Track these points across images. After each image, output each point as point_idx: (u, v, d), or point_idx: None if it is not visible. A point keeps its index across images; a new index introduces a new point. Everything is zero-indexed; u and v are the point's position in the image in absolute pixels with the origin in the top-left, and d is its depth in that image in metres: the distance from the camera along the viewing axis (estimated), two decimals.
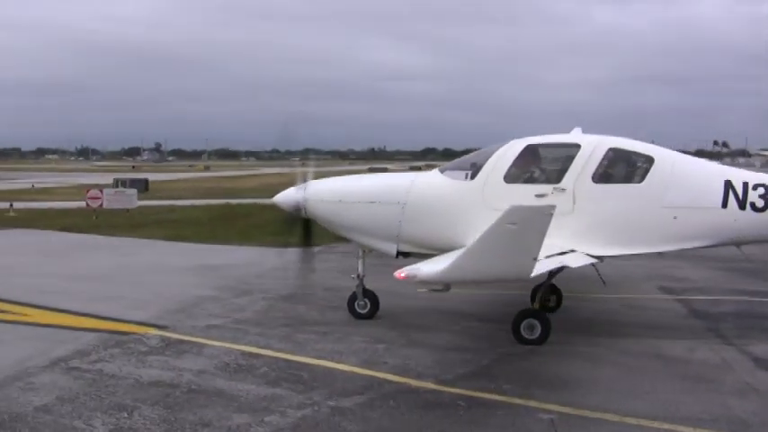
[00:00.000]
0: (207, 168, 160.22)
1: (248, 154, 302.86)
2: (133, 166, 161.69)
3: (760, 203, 13.55)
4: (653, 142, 15.28)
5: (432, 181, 15.15)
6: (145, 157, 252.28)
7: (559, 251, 12.70)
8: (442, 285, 11.42)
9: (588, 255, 13.11)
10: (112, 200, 40.09)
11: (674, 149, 15.39)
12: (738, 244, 14.44)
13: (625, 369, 12.00)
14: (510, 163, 14.43)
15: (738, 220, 13.60)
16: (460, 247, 12.19)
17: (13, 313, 15.72)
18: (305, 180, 15.75)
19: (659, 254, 14.82)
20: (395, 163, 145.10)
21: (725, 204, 13.60)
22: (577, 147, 14.26)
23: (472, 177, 14.69)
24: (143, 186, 56.85)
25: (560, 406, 10.03)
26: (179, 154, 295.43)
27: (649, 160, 14.10)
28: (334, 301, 16.90)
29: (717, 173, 14.24)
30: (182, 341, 13.36)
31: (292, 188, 15.76)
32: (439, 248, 13.51)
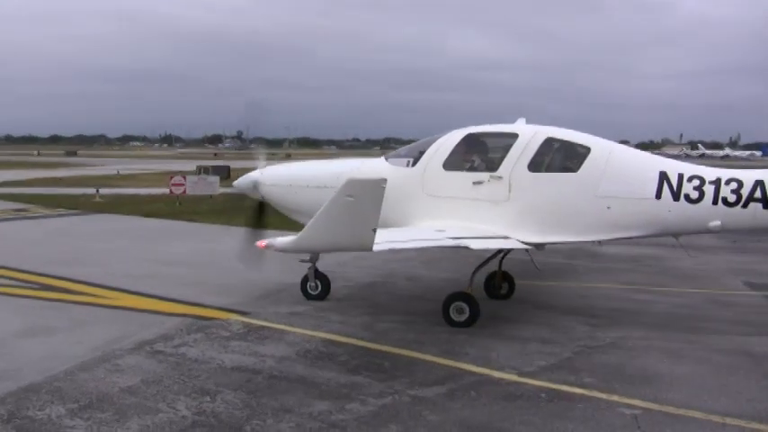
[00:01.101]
0: (288, 156, 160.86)
1: (329, 143, 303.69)
2: (215, 154, 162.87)
3: (694, 195, 13.67)
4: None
5: (374, 168, 15.53)
6: (227, 145, 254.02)
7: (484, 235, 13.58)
8: (308, 256, 11.51)
9: (521, 241, 13.71)
10: (195, 186, 40.40)
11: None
12: (673, 235, 14.67)
13: (711, 366, 11.76)
14: (449, 151, 14.94)
15: (673, 210, 13.75)
16: None
17: (101, 297, 15.99)
18: (264, 165, 16.72)
19: (598, 243, 15.14)
20: None
21: (659, 195, 13.77)
22: (515, 136, 14.61)
23: (413, 164, 15.20)
24: (225, 173, 57.17)
25: (643, 401, 9.90)
26: (261, 142, 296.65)
27: (585, 150, 14.35)
28: (416, 291, 16.93)
29: (653, 164, 14.30)
30: (264, 327, 13.48)
31: (250, 173, 16.72)
32: None
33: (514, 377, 10.87)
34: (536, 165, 14.38)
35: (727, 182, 13.60)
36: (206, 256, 16.36)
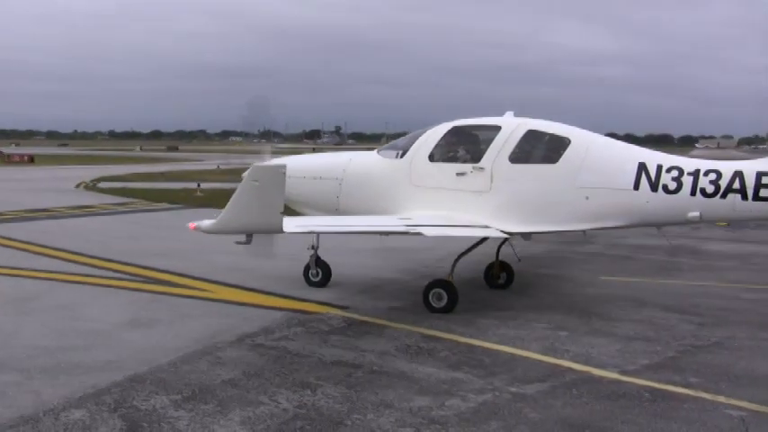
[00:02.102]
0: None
1: None
2: (314, 149, 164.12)
3: (672, 186, 13.81)
4: None
5: (366, 160, 16.49)
6: (325, 140, 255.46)
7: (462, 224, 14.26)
8: (244, 238, 11.79)
9: (502, 231, 14.22)
10: None
11: None
12: (651, 225, 14.97)
13: None
14: (435, 143, 15.48)
15: (651, 201, 13.93)
16: None
17: (202, 290, 16.22)
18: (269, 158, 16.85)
19: (583, 233, 15.80)
20: None
21: (636, 186, 13.97)
22: (498, 129, 15.04)
23: (401, 156, 15.73)
24: None
25: (751, 403, 9.61)
26: (359, 137, 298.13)
27: (565, 142, 14.66)
28: (515, 287, 16.80)
29: (632, 155, 14.45)
30: (364, 322, 13.52)
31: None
32: None
33: (616, 375, 10.69)
34: (517, 156, 14.79)
35: (706, 173, 13.69)
36: (305, 250, 16.44)
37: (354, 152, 18.00)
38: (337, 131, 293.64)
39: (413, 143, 15.76)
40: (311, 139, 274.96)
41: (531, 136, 15.01)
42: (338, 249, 17.80)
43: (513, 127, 14.97)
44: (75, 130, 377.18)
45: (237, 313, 14.18)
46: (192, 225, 11.62)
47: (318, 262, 16.79)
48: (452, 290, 14.50)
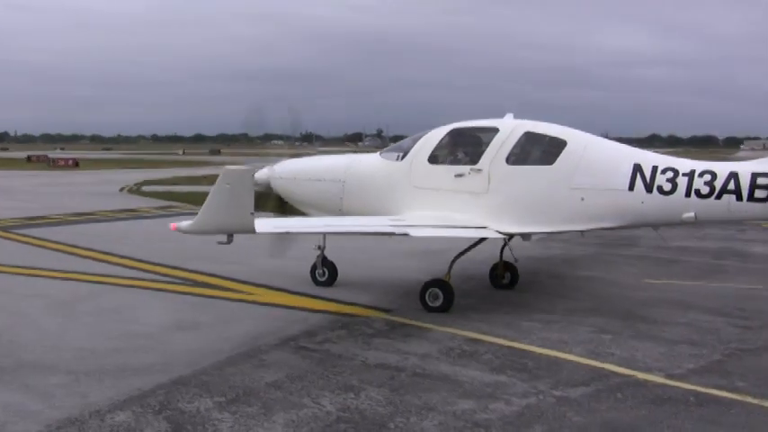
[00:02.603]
0: None
1: None
2: (355, 152, 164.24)
3: (667, 187, 13.87)
4: None
5: (368, 162, 16.80)
6: (366, 143, 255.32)
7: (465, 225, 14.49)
8: (226, 238, 11.94)
9: (499, 231, 14.38)
10: None
11: None
12: (647, 226, 15.18)
13: None
14: (434, 145, 15.71)
15: (645, 202, 14.00)
16: None
17: (246, 293, 16.29)
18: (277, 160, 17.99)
19: (581, 233, 16.09)
20: None
21: (631, 187, 14.06)
22: (496, 131, 15.25)
23: (402, 158, 15.95)
24: None
25: None
26: (400, 140, 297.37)
27: (561, 144, 14.80)
28: (559, 290, 16.75)
29: (627, 156, 14.54)
30: (406, 325, 13.50)
31: (266, 167, 17.72)
32: None
33: (661, 379, 10.61)
34: (514, 158, 15.00)
35: (701, 174, 13.74)
36: (348, 252, 16.51)
37: (357, 154, 18.65)
38: (379, 134, 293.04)
39: (413, 145, 16.02)
40: (353, 142, 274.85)
41: (528, 138, 15.21)
42: (378, 252, 17.80)
43: (510, 129, 15.18)
44: (119, 135, 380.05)
45: (281, 316, 14.25)
46: (173, 225, 11.82)
47: (325, 262, 17.12)
48: (448, 290, 14.68)
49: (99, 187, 50.76)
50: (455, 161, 15.61)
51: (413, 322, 13.65)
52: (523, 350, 11.98)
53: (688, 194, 13.72)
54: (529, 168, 14.96)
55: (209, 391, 9.93)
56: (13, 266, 19.26)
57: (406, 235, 13.79)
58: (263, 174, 17.56)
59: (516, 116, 15.92)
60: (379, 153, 17.04)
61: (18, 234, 25.58)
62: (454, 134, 15.95)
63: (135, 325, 13.55)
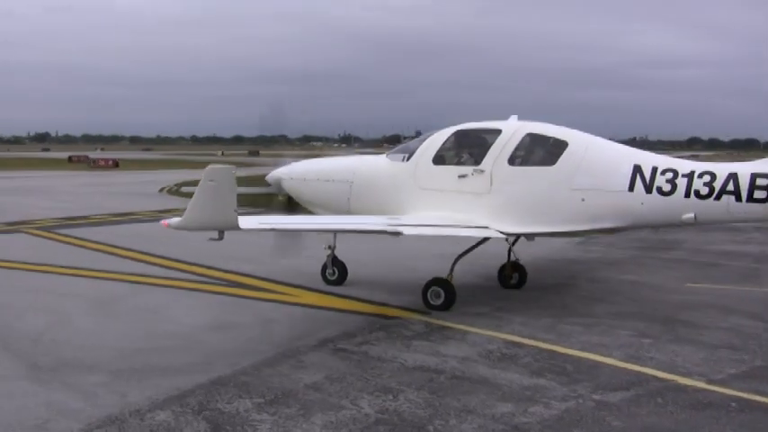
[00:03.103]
0: None
1: None
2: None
3: (666, 188, 13.94)
4: None
5: (375, 163, 17.04)
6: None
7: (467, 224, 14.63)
8: (218, 235, 12.02)
9: (500, 231, 14.52)
10: None
11: None
12: (648, 227, 15.62)
13: None
14: (439, 146, 15.92)
15: (645, 203, 14.08)
16: None
17: (284, 294, 16.34)
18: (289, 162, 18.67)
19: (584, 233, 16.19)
20: (657, 153, 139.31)
21: (631, 188, 14.14)
22: (498, 132, 15.42)
23: (408, 159, 16.17)
24: None
25: None
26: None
27: (563, 145, 14.91)
28: (598, 293, 16.62)
29: (628, 158, 14.61)
30: (445, 327, 13.45)
31: (278, 168, 18.46)
32: None
33: (702, 384, 10.49)
34: (515, 159, 15.19)
35: (701, 175, 13.79)
36: (386, 253, 16.49)
37: (365, 156, 18.66)
38: (417, 135, 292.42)
39: (418, 146, 16.25)
40: (391, 143, 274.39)
41: (530, 139, 15.38)
42: (420, 254, 17.76)
43: (512, 130, 15.35)
44: (158, 135, 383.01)
45: (319, 317, 14.30)
46: (165, 223, 11.92)
47: (335, 261, 17.41)
48: (450, 289, 14.86)
49: (138, 188, 51.13)
50: (459, 162, 15.84)
51: (452, 324, 13.60)
52: (563, 353, 11.91)
53: (687, 195, 13.78)
54: (530, 169, 15.10)
55: (248, 391, 9.95)
56: (55, 266, 19.44)
57: (399, 234, 13.85)
58: (274, 175, 18.40)
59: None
60: (385, 154, 17.27)
61: (59, 234, 25.81)
62: (458, 135, 16.13)
63: (174, 325, 13.64)
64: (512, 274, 17.34)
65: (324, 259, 17.49)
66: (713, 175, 13.69)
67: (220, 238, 12.00)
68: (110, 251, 22.10)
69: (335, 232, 16.22)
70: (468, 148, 16.01)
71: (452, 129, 16.14)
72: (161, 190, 49.33)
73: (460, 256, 15.43)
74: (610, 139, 15.99)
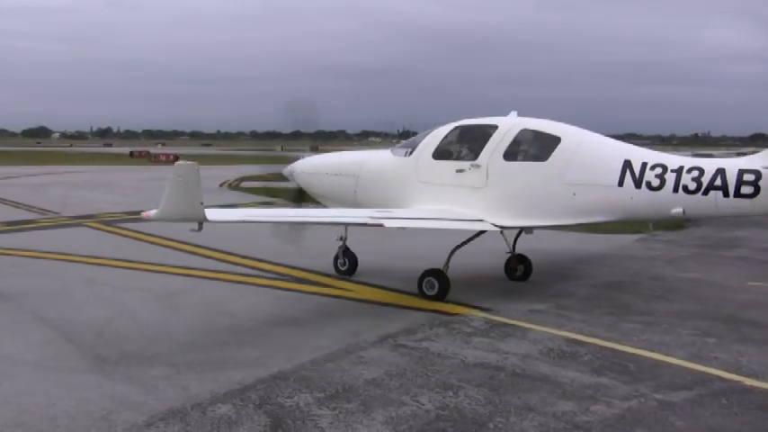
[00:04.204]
0: None
1: None
2: None
3: (655, 183, 14.14)
4: None
5: (380, 158, 17.69)
6: None
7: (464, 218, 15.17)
8: (197, 226, 12.56)
9: (495, 225, 15.01)
10: None
11: None
12: (638, 221, 16.05)
13: None
14: (438, 142, 16.48)
15: (634, 198, 14.32)
16: None
17: (345, 290, 16.38)
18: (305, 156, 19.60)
19: (576, 226, 16.18)
20: (720, 149, 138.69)
21: (621, 183, 14.38)
22: (495, 128, 15.89)
23: (410, 154, 16.82)
24: None
25: None
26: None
27: (556, 140, 15.27)
28: (659, 291, 16.45)
29: (619, 153, 14.88)
30: (505, 324, 13.38)
31: (294, 163, 19.33)
32: None
33: None
34: (510, 154, 15.57)
35: (689, 170, 13.96)
36: (441, 252, 16.47)
37: (371, 151, 19.39)
38: None
39: (420, 142, 16.84)
40: None
41: (525, 135, 15.85)
42: (479, 250, 17.66)
43: (508, 126, 15.81)
44: (218, 131, 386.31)
45: (379, 313, 14.30)
46: (145, 214, 12.37)
47: (346, 252, 17.98)
48: (444, 279, 15.26)
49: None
50: (457, 157, 16.30)
51: (512, 322, 13.53)
52: (624, 352, 11.78)
53: (676, 190, 13.97)
54: (524, 164, 15.54)
55: (308, 386, 9.98)
56: (116, 260, 19.65)
57: (380, 226, 14.33)
58: (289, 169, 19.29)
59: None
60: (390, 150, 17.94)
61: (120, 228, 26.11)
62: (457, 131, 16.67)
63: (234, 319, 13.73)
64: (517, 267, 17.71)
65: (349, 251, 18.02)
66: (701, 171, 13.85)
67: (199, 228, 12.55)
68: (170, 245, 22.31)
69: (310, 225, 16.38)
70: (465, 144, 16.49)
71: (452, 124, 16.74)
72: (221, 185, 49.63)
73: (457, 247, 15.78)
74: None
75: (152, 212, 12.12)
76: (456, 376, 10.47)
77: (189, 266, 18.85)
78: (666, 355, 11.65)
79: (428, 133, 16.92)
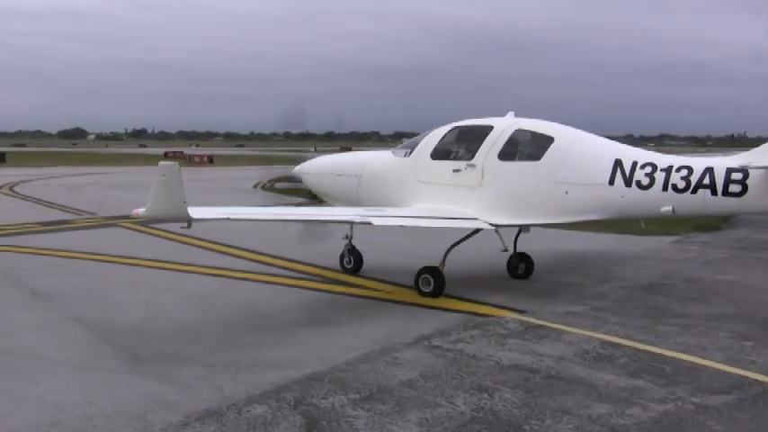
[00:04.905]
0: None
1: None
2: None
3: (645, 181, 14.33)
4: None
5: (381, 158, 18.12)
6: None
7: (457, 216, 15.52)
8: (187, 224, 12.94)
9: (490, 223, 15.30)
10: None
11: None
12: (629, 219, 15.92)
13: None
14: (436, 142, 16.88)
15: (625, 196, 14.52)
16: None
17: (378, 291, 16.41)
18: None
19: (569, 224, 16.44)
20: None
21: (612, 182, 14.60)
22: (491, 128, 16.23)
23: (409, 154, 17.23)
24: None
25: None
26: None
27: (549, 140, 15.58)
28: (694, 293, 16.32)
29: (610, 153, 15.09)
30: (540, 326, 13.33)
31: (301, 164, 19.86)
32: None
33: None
34: (505, 154, 15.89)
35: (678, 169, 14.12)
36: (471, 253, 16.53)
37: (372, 152, 19.75)
38: None
39: (419, 142, 17.24)
40: None
41: (519, 135, 16.19)
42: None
43: (503, 127, 16.16)
44: (252, 132, 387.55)
45: (414, 314, 14.26)
46: (135, 212, 12.47)
47: (352, 251, 18.40)
48: (439, 277, 15.60)
49: (233, 183, 51.80)
50: (454, 157, 16.62)
51: (547, 324, 13.47)
52: (660, 355, 11.69)
53: (665, 189, 14.15)
54: (518, 164, 15.87)
55: (343, 387, 9.99)
56: (150, 260, 19.79)
57: (369, 224, 14.70)
58: (297, 170, 19.82)
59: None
60: (392, 150, 18.27)
61: (155, 229, 26.20)
62: (454, 132, 17.05)
63: (268, 320, 13.75)
64: (518, 265, 17.95)
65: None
66: (690, 170, 14.01)
67: (189, 226, 12.92)
68: (206, 246, 22.40)
69: (292, 222, 16.83)
70: (462, 144, 16.82)
71: (450, 126, 17.12)
72: (255, 186, 49.76)
73: (453, 246, 16.04)
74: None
75: (141, 210, 12.37)
76: (491, 378, 10.43)
77: (221, 267, 18.97)
78: (703, 358, 11.54)
79: (427, 134, 17.34)
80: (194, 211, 12.61)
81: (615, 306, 14.99)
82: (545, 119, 16.41)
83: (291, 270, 18.70)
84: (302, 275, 18.07)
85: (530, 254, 17.89)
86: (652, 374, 10.69)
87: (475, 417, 9.04)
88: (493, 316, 14.05)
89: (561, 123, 16.13)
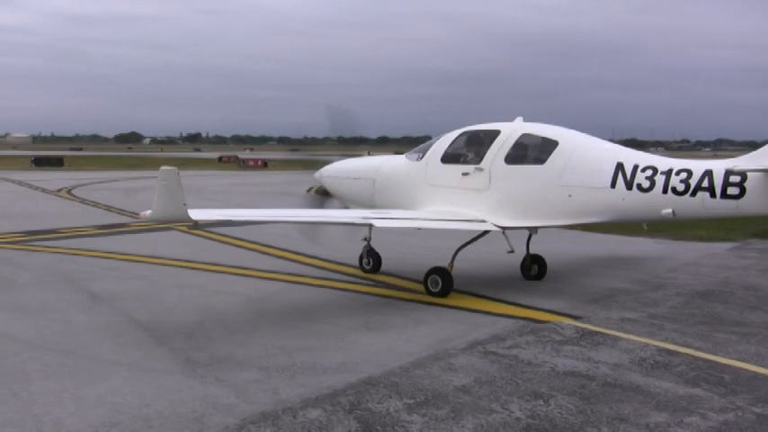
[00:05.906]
0: None
1: (657, 144, 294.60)
2: None
3: (646, 184, 14.66)
4: None
5: (394, 162, 18.68)
6: None
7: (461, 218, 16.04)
8: (191, 223, 13.51)
9: (497, 225, 15.80)
10: None
11: None
12: (630, 222, 16.29)
13: None
14: (446, 147, 17.41)
15: (626, 199, 14.87)
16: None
17: (425, 294, 16.29)
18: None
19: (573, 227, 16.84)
20: None
21: (613, 185, 14.97)
22: (498, 133, 16.70)
23: (421, 158, 17.73)
24: None
25: None
26: None
27: (553, 144, 15.95)
28: (753, 301, 16.08)
29: (612, 156, 15.39)
30: (596, 333, 13.20)
31: (322, 168, 20.48)
32: None
33: None
34: (511, 158, 16.33)
35: (678, 172, 14.43)
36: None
37: (387, 156, 20.47)
38: None
39: (430, 147, 17.75)
40: None
41: (525, 139, 16.54)
42: (570, 257, 17.54)
43: (510, 131, 16.61)
44: (305, 136, 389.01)
45: (468, 319, 14.21)
46: (143, 213, 13.00)
47: (371, 252, 18.96)
48: (447, 278, 15.97)
49: (287, 187, 51.81)
50: (463, 161, 17.06)
51: (603, 330, 13.35)
52: (719, 363, 11.51)
53: (665, 191, 14.46)
54: (524, 167, 16.25)
55: (398, 392, 9.96)
56: (205, 263, 19.97)
57: (370, 226, 15.60)
58: (317, 174, 20.58)
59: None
60: (405, 154, 18.65)
61: (209, 232, 26.38)
62: (464, 136, 17.49)
63: (323, 324, 13.77)
64: (531, 266, 18.34)
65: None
66: (690, 173, 14.31)
67: (195, 225, 13.26)
68: (259, 249, 22.59)
69: (290, 224, 17.76)
70: (471, 148, 17.24)
71: (459, 131, 17.57)
72: (309, 190, 49.77)
73: (461, 247, 16.40)
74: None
75: (147, 213, 12.78)
76: (546, 384, 10.35)
77: (275, 270, 19.11)
78: (764, 366, 11.34)
79: (438, 139, 17.82)
80: (195, 213, 13.11)
81: (672, 313, 14.79)
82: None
83: (342, 273, 18.87)
84: (352, 279, 18.18)
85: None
86: (711, 383, 10.52)
87: (530, 423, 8.96)
88: (548, 322, 13.95)
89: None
